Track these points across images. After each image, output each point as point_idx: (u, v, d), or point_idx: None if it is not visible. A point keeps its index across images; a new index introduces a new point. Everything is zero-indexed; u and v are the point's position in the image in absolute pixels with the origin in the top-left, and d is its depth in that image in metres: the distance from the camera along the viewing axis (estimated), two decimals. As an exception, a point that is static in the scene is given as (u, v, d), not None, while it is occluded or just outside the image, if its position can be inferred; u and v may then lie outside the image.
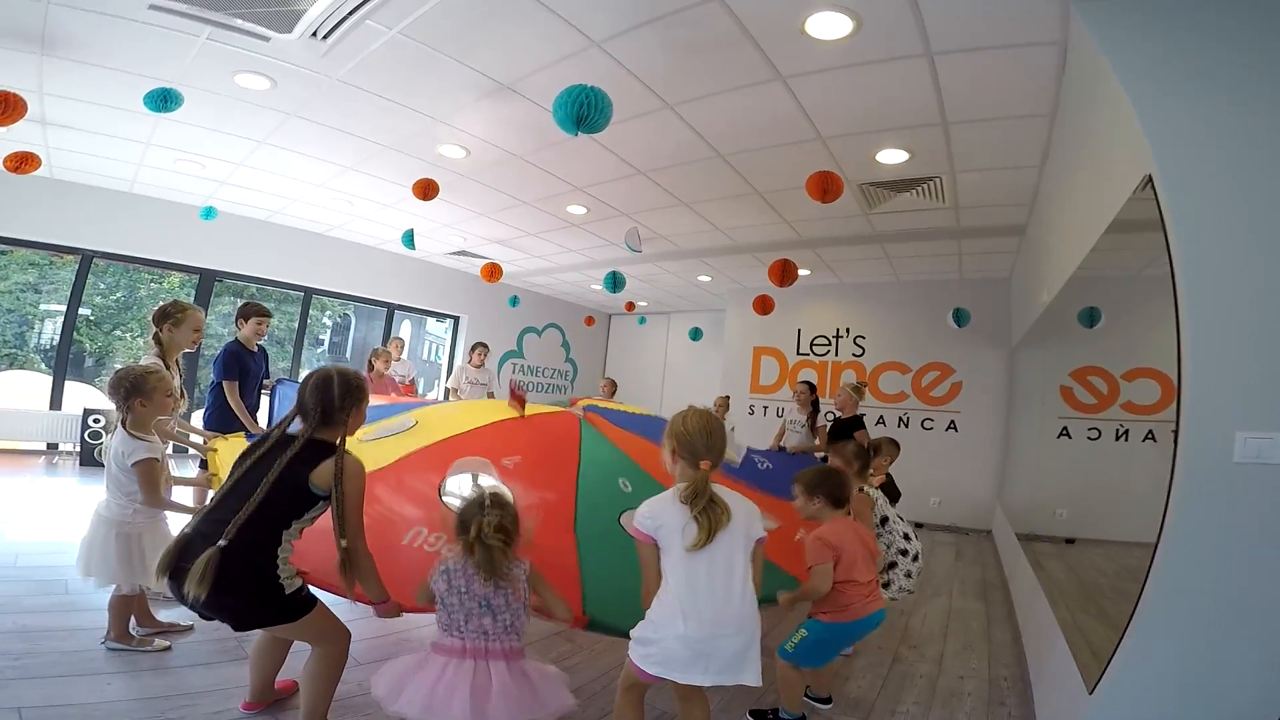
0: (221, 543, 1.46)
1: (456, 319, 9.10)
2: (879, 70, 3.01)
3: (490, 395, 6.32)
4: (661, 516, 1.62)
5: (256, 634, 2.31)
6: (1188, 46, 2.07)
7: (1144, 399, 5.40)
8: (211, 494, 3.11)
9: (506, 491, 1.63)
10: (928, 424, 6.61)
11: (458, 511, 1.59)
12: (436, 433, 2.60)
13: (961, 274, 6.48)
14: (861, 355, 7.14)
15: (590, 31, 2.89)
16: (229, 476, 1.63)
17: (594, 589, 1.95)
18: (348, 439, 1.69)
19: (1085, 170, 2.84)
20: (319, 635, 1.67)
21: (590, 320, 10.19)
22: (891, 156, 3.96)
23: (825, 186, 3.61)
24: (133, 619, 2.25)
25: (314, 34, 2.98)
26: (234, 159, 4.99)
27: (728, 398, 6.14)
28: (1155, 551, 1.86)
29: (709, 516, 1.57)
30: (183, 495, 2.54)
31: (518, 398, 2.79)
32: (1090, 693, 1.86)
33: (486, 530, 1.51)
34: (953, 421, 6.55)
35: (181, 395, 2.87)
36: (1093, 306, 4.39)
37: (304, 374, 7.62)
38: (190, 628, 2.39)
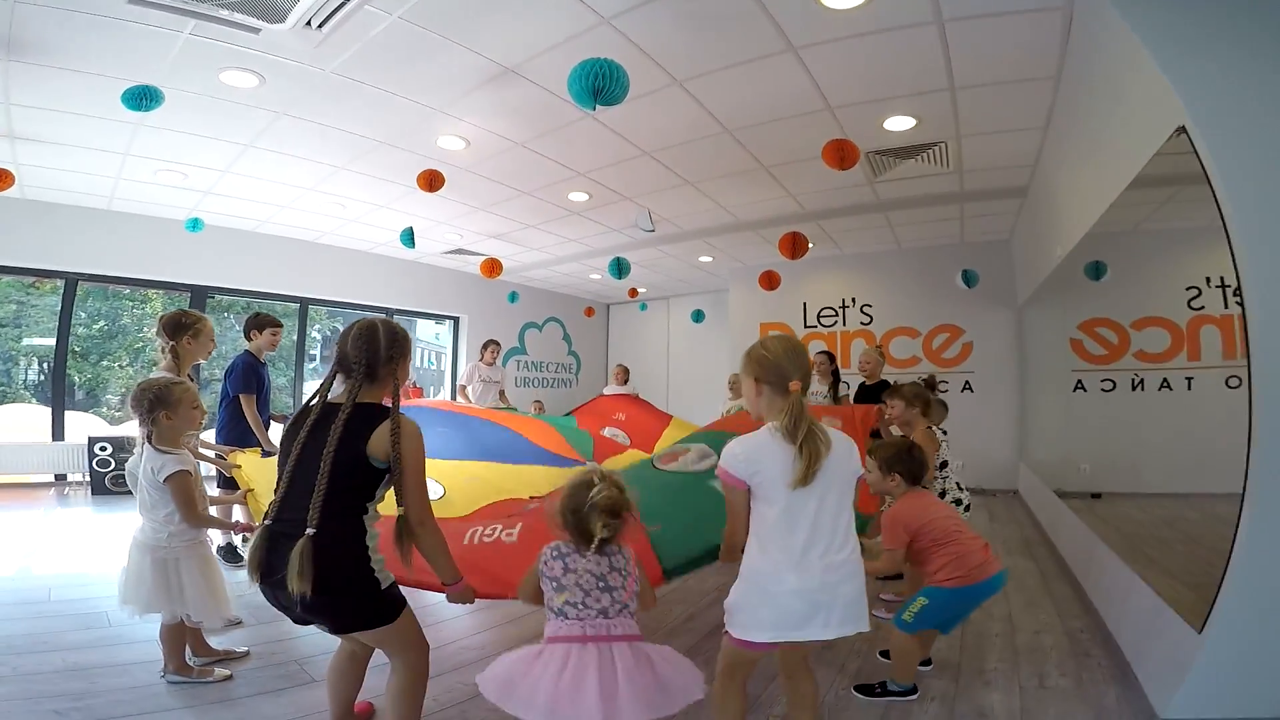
0: (310, 530, 1.33)
1: (456, 319, 8.95)
2: (890, 38, 2.96)
3: (502, 393, 6.22)
4: (758, 458, 1.45)
5: (321, 657, 2.22)
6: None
7: (1154, 347, 5.43)
8: (239, 510, 2.97)
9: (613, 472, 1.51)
10: (943, 386, 6.61)
11: (563, 495, 1.46)
12: (467, 506, 2.54)
13: (963, 238, 6.46)
14: (870, 323, 7.12)
15: (600, 7, 2.78)
16: (283, 459, 1.48)
17: (661, 544, 1.93)
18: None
19: (1103, 128, 2.84)
20: (407, 642, 1.51)
21: (590, 311, 10.08)
22: (899, 123, 3.90)
23: (842, 154, 3.53)
24: (187, 648, 2.15)
25: (308, 23, 2.83)
26: (219, 166, 4.80)
27: (741, 376, 6.10)
28: (1245, 489, 1.87)
29: (811, 446, 1.41)
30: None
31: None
32: (1200, 632, 1.87)
33: (599, 507, 1.39)
34: (967, 382, 6.56)
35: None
36: (1098, 260, 4.39)
37: (308, 393, 7.52)
38: (247, 653, 2.29)
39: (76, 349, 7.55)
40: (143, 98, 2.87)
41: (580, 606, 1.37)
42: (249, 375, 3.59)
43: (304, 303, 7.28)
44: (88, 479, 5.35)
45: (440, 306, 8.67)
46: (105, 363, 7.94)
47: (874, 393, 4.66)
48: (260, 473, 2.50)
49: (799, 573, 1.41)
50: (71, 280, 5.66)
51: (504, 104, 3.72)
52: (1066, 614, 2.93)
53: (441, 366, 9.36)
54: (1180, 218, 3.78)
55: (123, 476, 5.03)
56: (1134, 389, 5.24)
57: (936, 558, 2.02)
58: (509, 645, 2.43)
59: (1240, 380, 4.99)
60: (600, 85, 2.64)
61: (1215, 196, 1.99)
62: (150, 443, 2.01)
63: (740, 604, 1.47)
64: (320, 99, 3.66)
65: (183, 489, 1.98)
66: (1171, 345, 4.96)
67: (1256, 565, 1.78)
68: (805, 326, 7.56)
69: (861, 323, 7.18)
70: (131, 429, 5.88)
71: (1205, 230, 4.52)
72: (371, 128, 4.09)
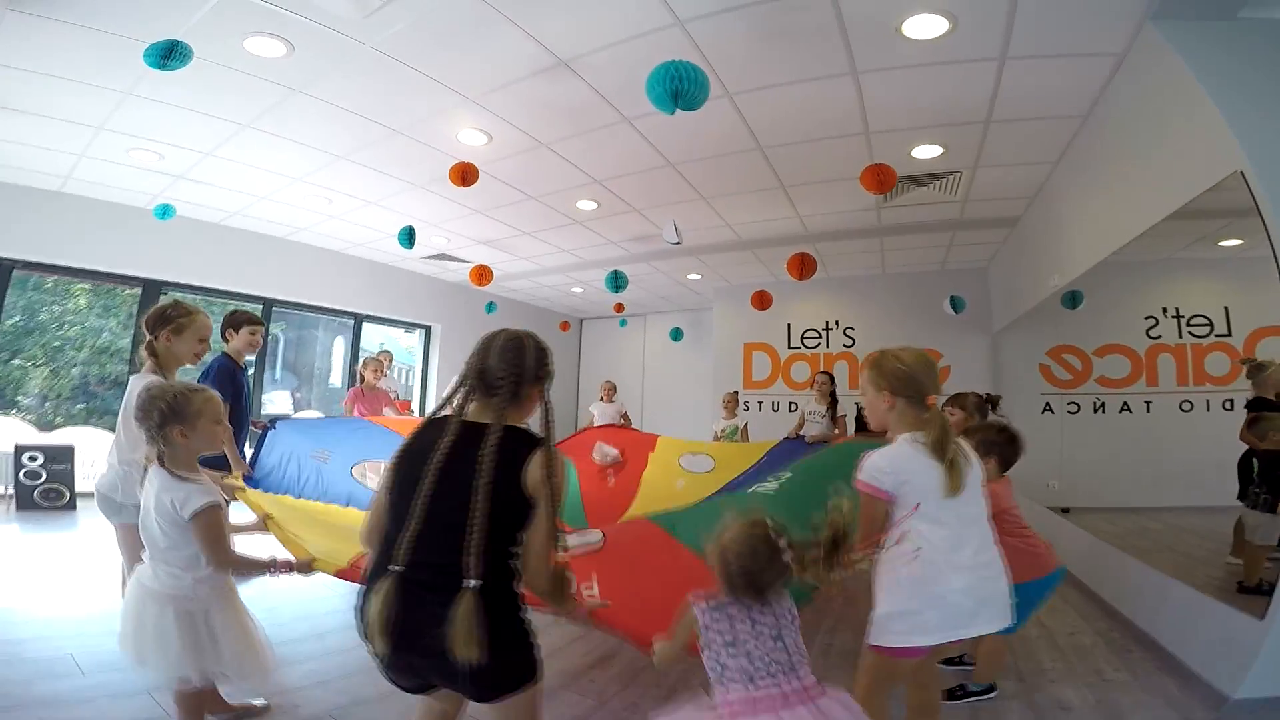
0: (473, 582, 1.10)
1: (428, 329, 8.53)
2: (949, 70, 3.09)
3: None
4: (906, 470, 1.48)
5: (352, 707, 1.98)
6: (1268, 58, 2.34)
7: (1115, 373, 5.88)
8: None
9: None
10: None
11: (737, 551, 1.32)
12: None
13: (944, 265, 6.83)
14: (852, 346, 7.35)
15: (680, 8, 2.75)
16: (405, 487, 1.20)
17: None
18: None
19: (1137, 166, 3.07)
20: (537, 704, 1.26)
21: (565, 325, 9.89)
22: (926, 151, 4.06)
23: (881, 179, 3.64)
24: None
25: (370, -8, 2.64)
26: (203, 147, 4.37)
27: (736, 393, 6.10)
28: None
29: (957, 458, 1.47)
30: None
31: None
32: (1262, 619, 2.03)
33: (789, 569, 1.29)
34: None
35: None
36: (1075, 290, 4.75)
37: (269, 404, 6.88)
38: (267, 707, 1.97)
39: (-16, 345, 6.59)
40: (169, 54, 2.55)
41: (768, 662, 1.27)
42: (225, 382, 3.21)
43: (268, 303, 6.71)
44: (12, 492, 4.62)
45: (413, 314, 8.25)
46: (18, 361, 6.98)
47: (877, 411, 4.79)
48: (265, 498, 2.23)
49: (960, 572, 1.45)
50: (6, 266, 4.95)
51: (544, 99, 3.60)
52: (1089, 616, 3.08)
53: (408, 382, 8.77)
54: (1139, 251, 4.13)
55: (55, 490, 4.38)
56: (1095, 411, 5.67)
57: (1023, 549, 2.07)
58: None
59: (1192, 404, 5.41)
60: (681, 88, 2.60)
61: (1270, 238, 2.20)
62: (163, 466, 1.64)
63: (899, 613, 1.46)
64: (347, 76, 3.40)
65: (213, 527, 1.61)
66: (1131, 372, 5.42)
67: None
68: (789, 348, 7.72)
69: (844, 345, 7.41)
70: (66, 436, 5.17)
71: (1163, 263, 4.93)
72: (392, 114, 3.85)
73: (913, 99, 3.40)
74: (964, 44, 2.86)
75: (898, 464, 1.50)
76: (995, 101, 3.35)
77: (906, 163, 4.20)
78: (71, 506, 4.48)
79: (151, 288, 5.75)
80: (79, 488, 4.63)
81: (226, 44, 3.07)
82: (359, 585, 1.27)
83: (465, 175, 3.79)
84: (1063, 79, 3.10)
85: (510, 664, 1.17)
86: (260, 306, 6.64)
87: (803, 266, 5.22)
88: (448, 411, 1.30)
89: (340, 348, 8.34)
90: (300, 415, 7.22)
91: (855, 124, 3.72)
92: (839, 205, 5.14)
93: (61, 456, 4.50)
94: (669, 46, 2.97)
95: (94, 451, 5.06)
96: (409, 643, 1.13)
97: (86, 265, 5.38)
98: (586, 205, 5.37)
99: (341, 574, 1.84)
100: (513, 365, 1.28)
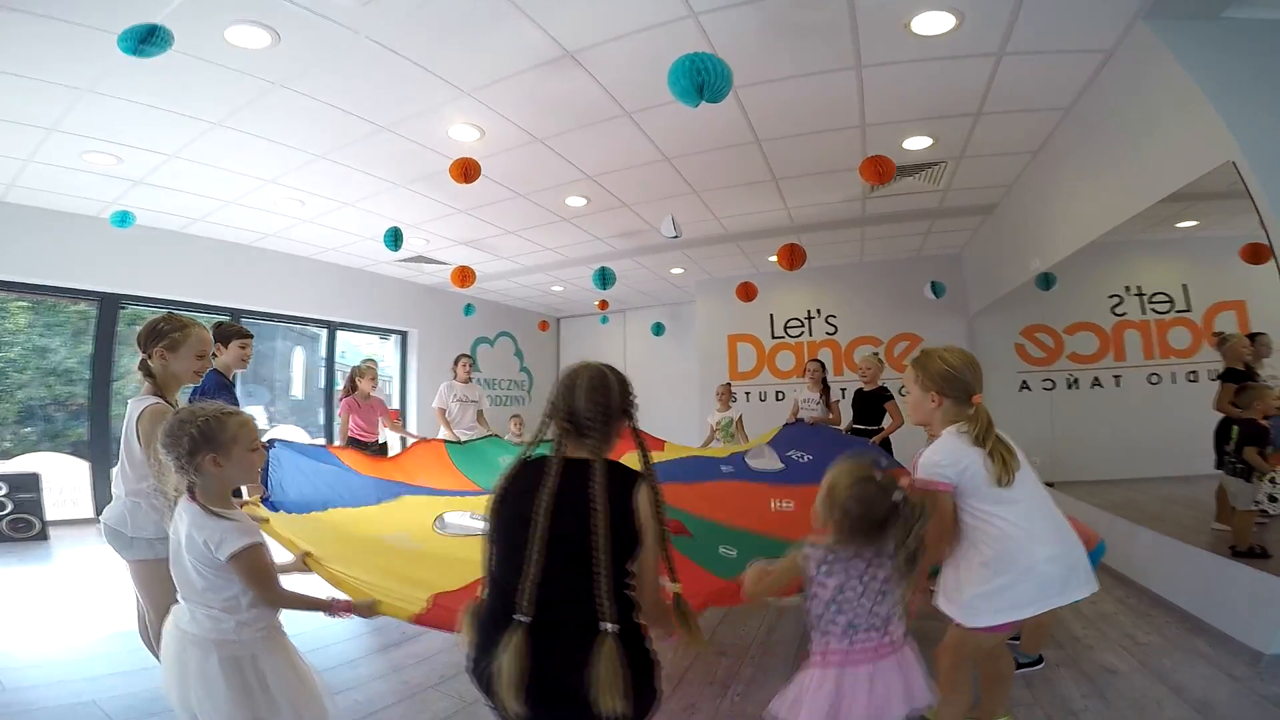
0: (610, 625, 1.10)
1: (404, 334, 8.25)
2: (950, 65, 3.16)
3: (480, 414, 5.78)
4: (964, 460, 1.55)
5: None
6: (1254, 55, 2.50)
7: (1085, 350, 6.18)
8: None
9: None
10: (905, 391, 7.09)
11: (844, 491, 1.34)
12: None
13: (920, 252, 7.03)
14: (835, 333, 7.50)
15: (695, 0, 2.72)
16: (517, 528, 1.17)
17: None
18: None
19: (1125, 156, 3.22)
20: None
21: (544, 325, 9.75)
22: (916, 143, 4.15)
23: (880, 170, 3.70)
24: None
25: (374, -19, 2.50)
26: (167, 149, 4.08)
27: (729, 385, 6.13)
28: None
29: (1003, 449, 1.56)
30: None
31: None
32: None
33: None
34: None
35: None
36: (1048, 272, 4.98)
37: (260, 418, 6.50)
38: None
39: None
40: (147, 38, 2.34)
41: (868, 617, 1.31)
42: (223, 399, 3.04)
43: (235, 315, 6.35)
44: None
45: (388, 320, 7.96)
46: (-48, 388, 6.40)
47: (872, 398, 4.89)
48: (299, 530, 2.11)
49: (1044, 544, 1.52)
50: (-57, 282, 4.52)
51: (545, 92, 3.50)
52: (1104, 585, 3.21)
53: (387, 390, 8.45)
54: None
55: (24, 520, 4.03)
56: (1069, 387, 5.95)
57: None
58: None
59: (1160, 377, 5.72)
60: (705, 80, 2.58)
61: (1263, 223, 2.36)
62: (195, 499, 1.49)
63: (989, 592, 1.52)
64: (335, 69, 3.21)
65: (257, 568, 1.49)
66: (1100, 348, 5.72)
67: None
68: (773, 337, 7.82)
69: (827, 333, 7.55)
70: (29, 463, 4.76)
71: (1123, 244, 5.24)
72: (380, 109, 3.68)
73: (910, 92, 3.47)
74: (967, 40, 2.93)
75: (953, 455, 1.57)
76: (988, 95, 3.45)
77: (897, 153, 4.27)
78: (43, 536, 4.14)
79: (109, 302, 5.35)
80: (49, 515, 4.31)
81: (205, 34, 2.86)
82: (452, 633, 1.23)
83: (467, 171, 3.66)
84: (1052, 73, 3.22)
85: (647, 700, 1.17)
86: (227, 318, 6.28)
87: (792, 257, 5.29)
88: (542, 451, 1.30)
89: (300, 358, 7.96)
90: (277, 430, 6.89)
91: (852, 117, 3.77)
92: (827, 197, 5.21)
93: (27, 485, 4.15)
94: (681, 39, 2.94)
95: (61, 478, 4.71)
96: (547, 695, 1.10)
97: (34, 280, 4.96)
98: (576, 202, 5.29)
99: (420, 619, 1.68)
100: (601, 406, 1.28)
